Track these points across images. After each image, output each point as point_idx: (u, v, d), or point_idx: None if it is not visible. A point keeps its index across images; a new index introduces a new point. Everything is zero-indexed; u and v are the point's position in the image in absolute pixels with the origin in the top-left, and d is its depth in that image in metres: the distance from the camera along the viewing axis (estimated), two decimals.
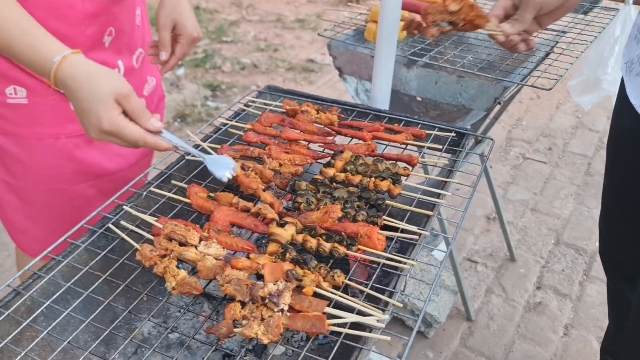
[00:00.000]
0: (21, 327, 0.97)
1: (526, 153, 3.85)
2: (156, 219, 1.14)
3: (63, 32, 1.29)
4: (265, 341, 0.89)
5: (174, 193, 1.25)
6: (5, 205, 1.52)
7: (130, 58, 1.51)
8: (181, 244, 1.07)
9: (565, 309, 2.66)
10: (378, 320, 0.92)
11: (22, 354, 0.91)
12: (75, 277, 1.05)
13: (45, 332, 0.96)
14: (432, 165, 1.37)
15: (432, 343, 2.48)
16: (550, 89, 1.67)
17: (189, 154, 1.24)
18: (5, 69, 1.31)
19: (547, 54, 2.07)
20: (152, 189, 1.27)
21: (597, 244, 1.83)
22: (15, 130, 1.38)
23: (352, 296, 0.99)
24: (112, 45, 1.43)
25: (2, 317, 0.97)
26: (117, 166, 1.52)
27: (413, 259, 1.06)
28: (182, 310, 1.19)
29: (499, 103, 1.82)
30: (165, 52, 1.45)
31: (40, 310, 1.00)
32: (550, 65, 1.92)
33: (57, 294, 1.03)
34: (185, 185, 1.25)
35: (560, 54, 1.96)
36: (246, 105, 1.59)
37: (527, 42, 1.36)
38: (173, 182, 1.30)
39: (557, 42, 2.13)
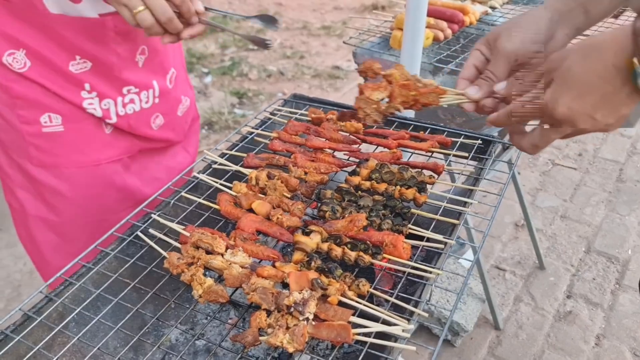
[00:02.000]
0: (53, 332, 0.99)
1: (555, 159, 3.78)
2: (183, 227, 1.16)
3: (94, 53, 1.30)
4: (291, 350, 0.90)
5: (203, 199, 1.27)
6: (44, 245, 1.44)
7: (164, 78, 1.49)
8: (208, 252, 1.08)
9: (596, 319, 2.60)
10: (403, 330, 0.92)
11: (54, 359, 0.93)
12: (105, 284, 1.07)
13: (76, 338, 0.98)
14: (459, 173, 1.35)
15: (459, 352, 2.45)
16: None
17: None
18: (37, 96, 1.28)
19: None
20: (183, 194, 1.29)
21: (630, 251, 1.78)
22: (54, 161, 1.35)
23: (378, 305, 0.99)
24: (145, 65, 1.42)
25: (35, 323, 0.99)
26: (154, 190, 1.43)
27: (439, 268, 1.05)
28: (208, 317, 1.21)
29: None
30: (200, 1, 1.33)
31: (71, 316, 1.03)
32: None
33: (88, 300, 1.05)
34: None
35: None
36: (272, 113, 1.61)
37: None
38: (208, 177, 1.32)
39: None
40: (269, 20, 1.23)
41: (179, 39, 1.29)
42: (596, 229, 3.15)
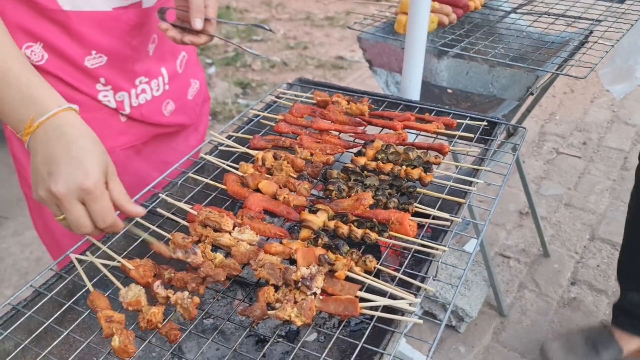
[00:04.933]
0: (63, 308, 1.00)
1: (560, 148, 3.78)
2: (191, 206, 1.17)
3: (108, 46, 1.30)
4: (299, 323, 0.91)
5: (210, 180, 1.27)
6: (57, 230, 1.44)
7: (174, 63, 1.50)
8: (215, 230, 1.09)
9: (601, 305, 2.61)
10: (410, 304, 0.93)
11: (65, 333, 0.95)
12: (114, 262, 1.08)
13: (86, 313, 0.99)
14: (464, 154, 1.36)
15: (464, 337, 2.46)
16: (584, 77, 1.64)
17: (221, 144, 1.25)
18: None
19: (582, 44, 2.04)
20: (190, 174, 1.30)
21: None
22: None
23: (384, 282, 1.00)
24: (155, 53, 1.43)
25: (46, 299, 1.01)
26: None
27: (444, 245, 1.06)
28: (215, 296, 1.22)
29: (532, 93, 1.79)
30: (199, 19, 1.25)
31: (81, 293, 1.04)
32: (584, 54, 1.88)
33: (97, 277, 1.06)
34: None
35: (595, 42, 1.92)
36: (277, 97, 1.61)
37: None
38: (215, 158, 1.33)
39: (592, 32, 2.09)
40: (261, 27, 1.37)
41: (182, 43, 1.30)
42: (600, 217, 3.15)
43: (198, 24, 1.24)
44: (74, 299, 1.02)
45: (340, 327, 1.04)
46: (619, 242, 2.95)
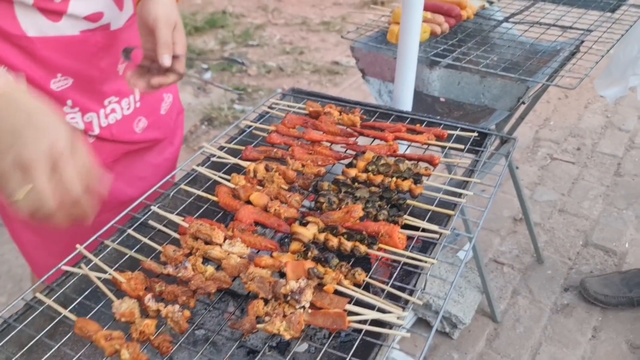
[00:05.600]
0: (54, 322, 1.01)
1: (554, 153, 3.79)
2: (183, 218, 1.17)
3: (75, 69, 1.26)
4: (287, 337, 0.92)
5: (202, 192, 1.28)
6: (27, 244, 1.45)
7: None
8: (206, 243, 1.10)
9: (593, 311, 2.62)
10: (398, 318, 0.94)
11: (56, 347, 0.95)
12: (106, 275, 1.09)
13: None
14: (455, 165, 1.37)
15: (457, 344, 2.47)
16: (574, 88, 1.66)
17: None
18: None
19: (573, 53, 2.05)
20: (182, 186, 1.31)
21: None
22: None
23: (374, 294, 1.00)
24: (126, 72, 1.36)
25: (37, 312, 1.01)
26: (138, 191, 1.44)
27: (434, 258, 1.07)
28: (207, 307, 1.22)
29: (523, 103, 1.81)
30: (167, 55, 1.19)
31: (72, 306, 1.04)
32: (575, 64, 1.90)
33: (88, 290, 1.07)
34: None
35: (586, 52, 1.94)
36: (270, 107, 1.62)
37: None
38: (207, 169, 1.34)
39: (583, 42, 2.11)
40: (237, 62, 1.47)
41: (151, 89, 1.24)
42: (594, 223, 3.17)
43: (166, 60, 1.18)
44: (65, 312, 1.03)
45: (330, 339, 1.05)
46: (612, 248, 2.98)
